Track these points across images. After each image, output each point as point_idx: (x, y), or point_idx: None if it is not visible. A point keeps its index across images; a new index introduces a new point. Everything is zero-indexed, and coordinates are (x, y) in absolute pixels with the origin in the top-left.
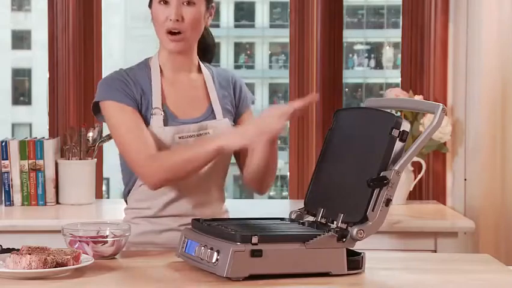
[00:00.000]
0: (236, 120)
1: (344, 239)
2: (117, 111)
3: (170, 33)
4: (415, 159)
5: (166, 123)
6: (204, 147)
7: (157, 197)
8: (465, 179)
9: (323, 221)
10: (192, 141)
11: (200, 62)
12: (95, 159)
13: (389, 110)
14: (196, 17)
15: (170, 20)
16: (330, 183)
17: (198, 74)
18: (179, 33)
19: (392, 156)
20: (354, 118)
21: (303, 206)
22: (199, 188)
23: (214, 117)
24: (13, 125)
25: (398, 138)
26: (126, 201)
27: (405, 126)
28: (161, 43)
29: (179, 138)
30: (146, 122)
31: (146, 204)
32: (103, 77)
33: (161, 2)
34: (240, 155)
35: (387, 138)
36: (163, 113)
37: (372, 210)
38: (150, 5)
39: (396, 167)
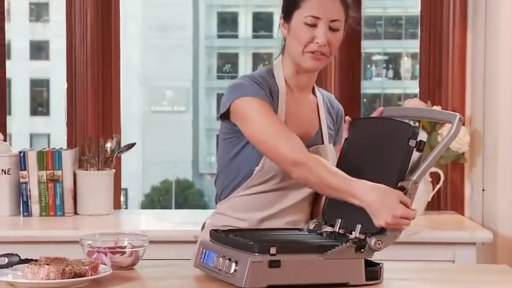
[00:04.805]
0: None
1: (362, 250)
2: (256, 104)
3: (312, 53)
4: (433, 169)
5: None
6: (350, 192)
7: (254, 211)
8: (483, 190)
9: (341, 231)
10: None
11: (314, 85)
12: (113, 169)
13: (406, 120)
14: (339, 42)
15: (317, 43)
16: None
17: (313, 95)
18: (321, 55)
19: (410, 166)
20: (371, 128)
21: (321, 216)
22: (296, 208)
23: (322, 142)
24: (31, 136)
25: (415, 149)
26: (216, 202)
27: (422, 136)
28: (296, 60)
29: None
30: None
31: (240, 215)
32: (121, 87)
33: (307, 24)
34: None
35: (405, 148)
36: None
37: None
38: (288, 17)
39: (414, 177)
